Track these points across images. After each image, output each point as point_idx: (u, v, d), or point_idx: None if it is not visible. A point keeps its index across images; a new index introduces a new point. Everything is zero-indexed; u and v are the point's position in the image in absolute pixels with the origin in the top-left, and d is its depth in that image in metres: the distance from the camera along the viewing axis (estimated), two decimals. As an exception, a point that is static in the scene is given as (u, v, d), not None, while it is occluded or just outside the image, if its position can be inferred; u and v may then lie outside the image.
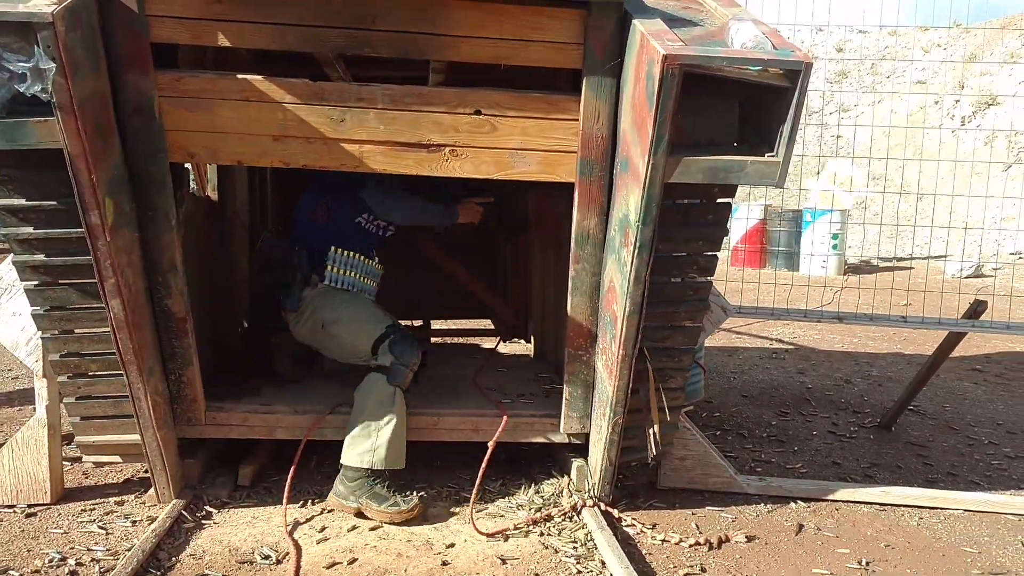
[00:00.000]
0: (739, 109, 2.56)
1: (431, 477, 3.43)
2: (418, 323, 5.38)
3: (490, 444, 3.13)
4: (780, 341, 7.14)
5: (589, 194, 2.82)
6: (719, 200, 2.71)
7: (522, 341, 4.88)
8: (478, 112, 2.74)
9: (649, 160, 2.42)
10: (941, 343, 3.87)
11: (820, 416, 4.74)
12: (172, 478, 2.99)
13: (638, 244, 2.57)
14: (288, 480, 3.05)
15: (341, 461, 3.06)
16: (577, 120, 2.75)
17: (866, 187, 14.30)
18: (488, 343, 5.38)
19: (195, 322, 2.94)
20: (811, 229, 13.25)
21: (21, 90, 2.13)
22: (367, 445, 3.04)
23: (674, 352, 3.00)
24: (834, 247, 13.13)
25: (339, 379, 3.56)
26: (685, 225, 2.72)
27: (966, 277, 13.00)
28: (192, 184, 4.12)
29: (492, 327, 5.59)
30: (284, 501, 3.01)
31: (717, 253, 2.80)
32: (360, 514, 3.00)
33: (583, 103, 2.71)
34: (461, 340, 5.78)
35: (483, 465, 3.10)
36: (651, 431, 3.01)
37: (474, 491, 3.09)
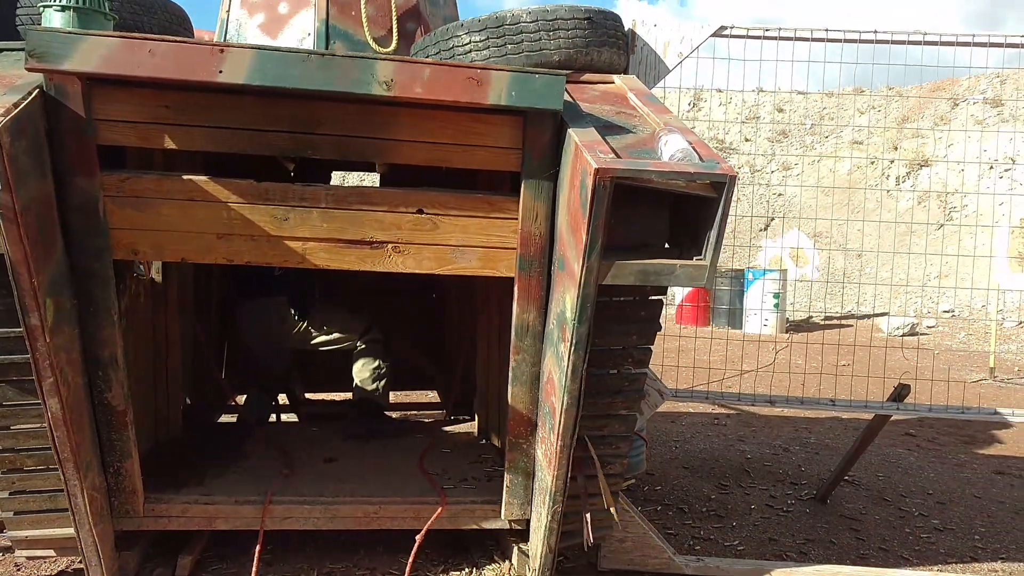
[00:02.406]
0: (670, 213, 2.68)
1: (374, 562, 3.43)
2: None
3: (417, 538, 3.15)
4: (723, 406, 7.28)
5: (528, 289, 2.91)
6: (651, 297, 2.81)
7: (466, 419, 4.91)
8: (420, 211, 2.82)
9: (583, 263, 2.52)
10: (869, 424, 4.02)
11: (759, 488, 4.84)
12: (108, 573, 2.96)
13: (574, 340, 2.66)
14: None
15: (356, 398, 4.42)
16: (516, 219, 2.85)
17: (810, 246, 14.72)
18: (432, 415, 5.42)
19: (136, 402, 2.94)
20: (754, 287, 13.55)
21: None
22: (375, 385, 4.37)
23: (611, 439, 3.08)
24: (775, 306, 13.44)
25: (270, 463, 3.63)
26: (620, 321, 2.82)
27: (903, 335, 13.40)
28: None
29: (437, 400, 5.64)
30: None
31: (651, 346, 2.90)
32: (372, 435, 4.21)
33: (522, 204, 2.81)
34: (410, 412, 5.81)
35: (411, 558, 3.13)
36: (586, 517, 3.07)
37: (408, 579, 3.11)
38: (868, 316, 14.85)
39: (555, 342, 2.83)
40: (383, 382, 4.38)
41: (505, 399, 3.69)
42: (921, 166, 20.11)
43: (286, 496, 3.24)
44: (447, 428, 4.52)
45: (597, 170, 2.38)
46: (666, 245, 2.73)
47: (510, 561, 3.38)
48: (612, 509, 3.05)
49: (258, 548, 3.08)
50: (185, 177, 2.72)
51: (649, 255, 2.61)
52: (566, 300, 2.69)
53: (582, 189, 2.49)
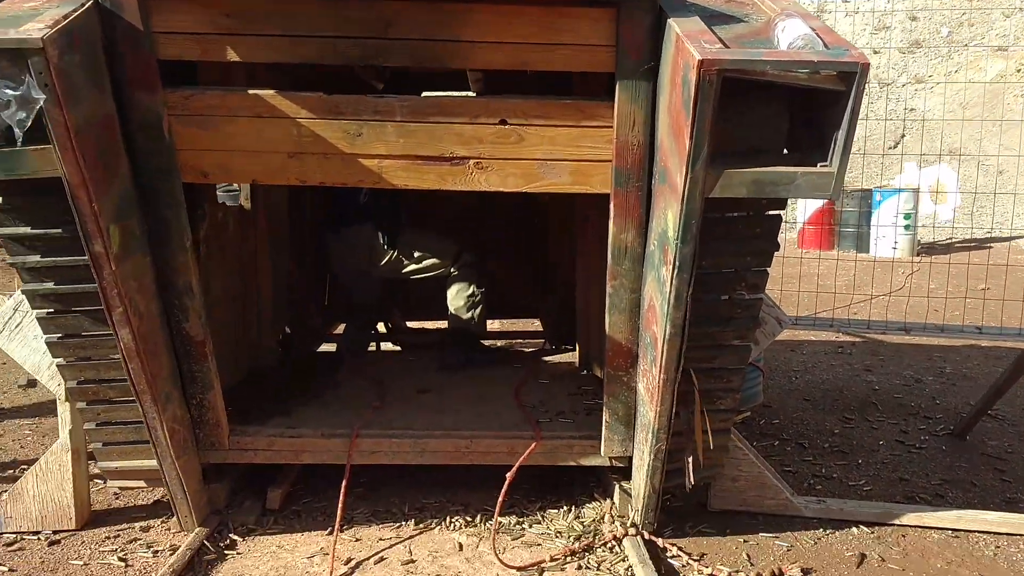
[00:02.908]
0: (789, 112, 2.31)
1: (468, 498, 3.28)
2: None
3: (508, 475, 2.95)
4: (849, 334, 6.80)
5: (626, 206, 2.61)
6: (768, 212, 2.47)
7: (569, 347, 4.68)
8: (503, 122, 2.55)
9: (687, 173, 2.20)
10: (1021, 356, 3.55)
11: (888, 423, 4.45)
12: (194, 506, 2.90)
13: (677, 263, 2.36)
14: (337, 524, 2.92)
15: (452, 327, 4.26)
16: (611, 128, 2.54)
17: (953, 183, 13.54)
18: (533, 344, 5.23)
19: (226, 331, 2.85)
20: (884, 207, 12.66)
21: (4, 118, 2.01)
22: (470, 318, 4.21)
23: (722, 373, 2.78)
24: (906, 227, 12.54)
25: (361, 394, 3.50)
26: (731, 240, 2.49)
27: (1047, 256, 12.33)
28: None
29: (540, 329, 5.43)
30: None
31: (767, 268, 2.56)
32: (468, 365, 4.12)
33: (617, 109, 2.50)
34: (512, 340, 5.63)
35: (501, 497, 2.93)
36: (689, 459, 2.80)
37: (494, 527, 2.92)
38: (1008, 239, 13.74)
39: (656, 265, 2.54)
40: (479, 310, 4.17)
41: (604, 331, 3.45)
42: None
43: (374, 429, 3.10)
44: (547, 358, 4.31)
45: (701, 62, 2.04)
46: (784, 151, 2.37)
47: (611, 500, 3.16)
48: (699, 452, 2.77)
49: (344, 483, 2.95)
50: (251, 92, 2.52)
51: (764, 162, 2.26)
52: (668, 217, 2.39)
53: (684, 87, 2.16)
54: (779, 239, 2.51)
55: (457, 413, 3.30)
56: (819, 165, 2.23)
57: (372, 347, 4.88)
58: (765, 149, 2.33)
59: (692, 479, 2.82)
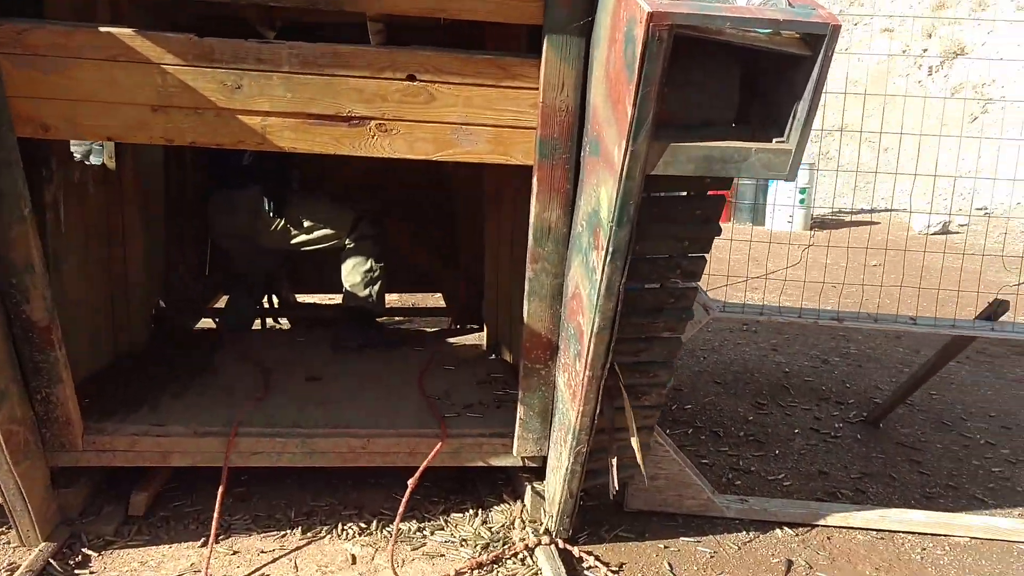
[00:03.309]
0: (740, 80, 2.03)
1: (363, 500, 2.94)
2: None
3: (410, 483, 2.62)
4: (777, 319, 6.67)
5: (551, 181, 2.29)
6: (711, 192, 2.19)
7: (475, 328, 4.36)
8: (411, 78, 2.18)
9: (627, 146, 1.89)
10: (946, 346, 3.43)
11: (800, 408, 4.32)
12: (39, 517, 2.46)
13: (611, 248, 2.06)
14: (212, 536, 2.52)
15: (347, 306, 3.86)
16: (536, 89, 2.21)
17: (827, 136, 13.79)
18: (437, 323, 4.89)
19: (86, 314, 2.42)
20: (779, 183, 12.78)
21: None
22: (368, 296, 3.80)
23: (649, 367, 2.51)
24: (801, 201, 12.72)
25: (242, 382, 3.12)
26: (668, 222, 2.20)
27: (934, 233, 12.72)
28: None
29: (443, 306, 5.09)
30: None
31: (705, 254, 2.30)
32: (364, 347, 3.71)
33: (544, 68, 2.17)
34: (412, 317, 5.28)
35: (402, 505, 2.62)
36: (613, 461, 2.54)
37: (393, 536, 2.61)
38: (891, 210, 14.09)
39: (584, 249, 2.23)
40: (377, 286, 3.79)
41: (518, 309, 3.15)
42: (956, 55, 18.95)
43: (256, 426, 2.72)
44: (451, 339, 3.97)
45: (651, 15, 1.72)
46: (732, 125, 2.09)
47: (522, 502, 2.88)
48: (639, 456, 2.52)
49: (220, 489, 2.57)
50: (103, 29, 2.08)
51: (714, 136, 1.97)
52: (601, 195, 2.08)
53: (628, 44, 1.84)
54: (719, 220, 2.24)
55: (352, 406, 2.95)
56: (775, 141, 1.96)
57: (258, 324, 4.46)
58: (712, 122, 2.04)
59: (616, 483, 2.55)
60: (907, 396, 3.94)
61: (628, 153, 1.90)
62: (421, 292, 5.52)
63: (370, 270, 3.76)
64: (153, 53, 2.08)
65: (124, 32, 2.06)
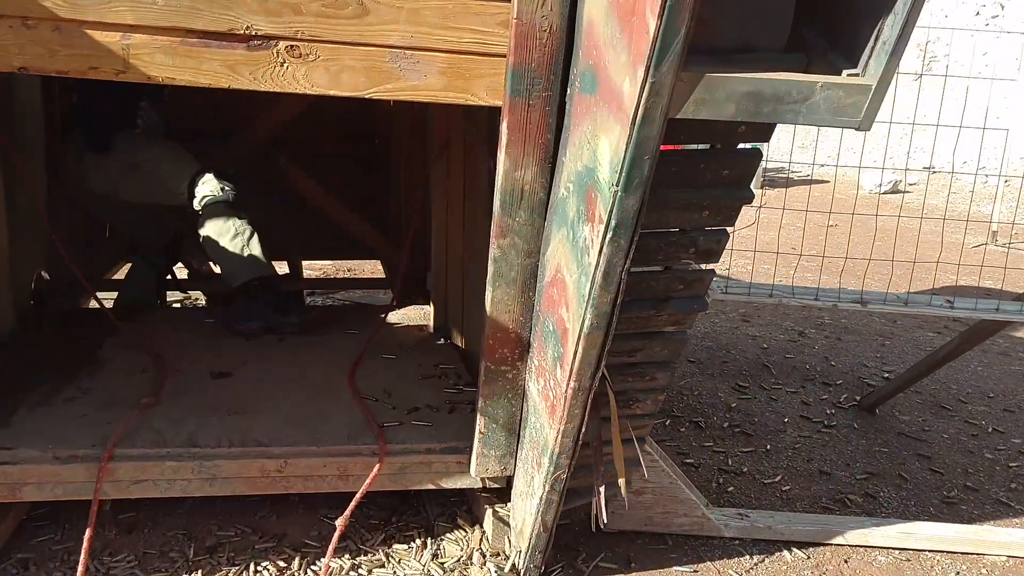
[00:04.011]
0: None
1: (283, 527, 2.36)
2: (282, 267, 4.20)
3: (339, 523, 2.06)
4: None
5: (525, 127, 1.70)
6: (743, 145, 1.64)
7: (420, 301, 3.77)
8: (335, -20, 1.56)
9: (645, 77, 1.31)
10: (974, 329, 2.96)
11: (786, 391, 3.85)
12: None
13: (613, 222, 1.49)
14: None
15: (233, 286, 3.08)
16: (508, 0, 1.61)
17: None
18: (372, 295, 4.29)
19: None
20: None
21: None
22: (248, 259, 3.03)
23: (646, 369, 1.98)
24: (752, 158, 12.29)
25: (129, 381, 2.49)
26: (684, 184, 1.64)
27: (884, 192, 12.46)
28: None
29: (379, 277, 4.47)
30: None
31: (728, 228, 1.75)
32: (269, 329, 3.03)
33: (518, -30, 1.57)
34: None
35: (331, 546, 2.05)
36: (601, 490, 2.01)
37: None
38: (836, 166, 13.79)
39: (571, 221, 1.66)
40: (252, 243, 3.06)
41: (473, 282, 2.59)
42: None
43: (139, 446, 2.11)
44: (391, 317, 3.36)
45: None
46: (780, 52, 1.52)
47: (481, 528, 2.34)
48: (620, 481, 2.00)
49: (88, 531, 1.96)
50: None
51: (761, 66, 1.41)
52: (599, 148, 1.50)
53: (650, -74, 1.26)
54: (753, 183, 1.69)
55: (267, 413, 2.35)
56: (845, 74, 1.40)
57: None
58: (755, 46, 1.47)
59: (605, 514, 2.02)
60: (915, 383, 3.48)
61: (647, 87, 1.32)
62: (357, 260, 4.90)
63: (236, 231, 3.05)
64: (-51, -68, 1.42)
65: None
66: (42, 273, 3.41)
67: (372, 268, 4.98)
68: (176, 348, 2.82)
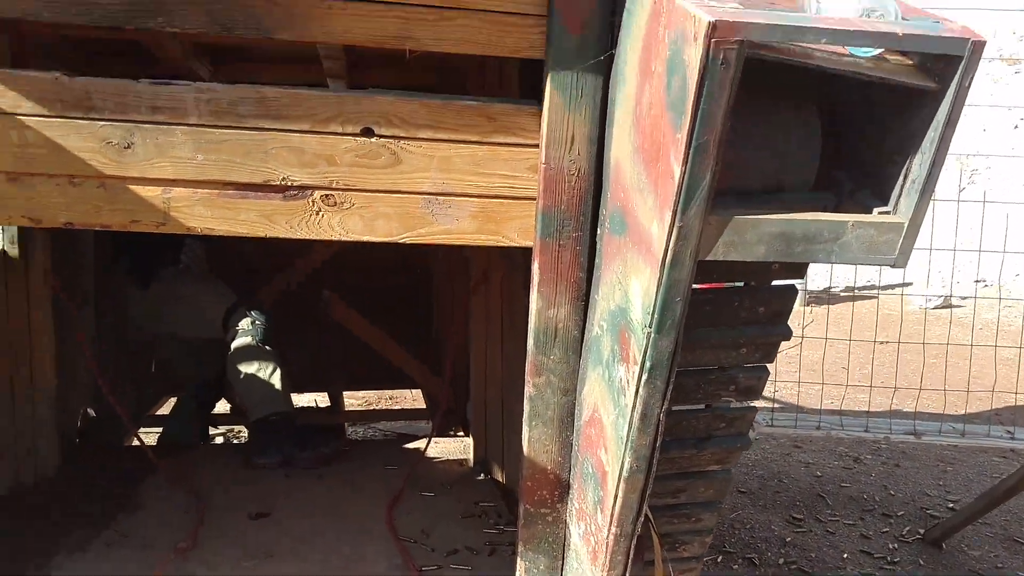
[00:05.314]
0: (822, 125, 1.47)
1: None
2: (323, 399, 4.22)
3: None
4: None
5: (556, 267, 1.70)
6: (777, 283, 1.62)
7: (461, 433, 3.73)
8: (368, 132, 1.61)
9: (673, 221, 1.31)
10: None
11: (843, 523, 3.67)
12: None
13: (648, 362, 1.46)
14: None
15: (251, 420, 3.11)
16: (536, 146, 1.64)
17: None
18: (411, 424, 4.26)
19: None
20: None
21: None
22: (268, 393, 3.09)
23: (690, 511, 1.90)
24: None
25: (168, 523, 2.47)
26: (720, 324, 1.62)
27: (934, 308, 12.23)
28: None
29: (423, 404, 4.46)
30: None
31: (768, 364, 1.71)
32: (287, 463, 3.00)
33: (547, 118, 1.60)
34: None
35: None
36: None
37: None
38: (891, 286, 13.60)
39: (606, 360, 1.64)
40: (273, 382, 3.13)
41: (512, 417, 2.56)
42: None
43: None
44: (431, 451, 3.32)
45: (713, 26, 1.16)
46: (808, 192, 1.52)
47: None
48: None
49: None
50: (-67, 67, 1.50)
51: (790, 206, 1.40)
52: (630, 289, 1.49)
53: (672, 74, 1.28)
54: (789, 320, 1.66)
55: (303, 556, 2.30)
56: (876, 212, 1.39)
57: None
58: (785, 186, 1.47)
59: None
60: (984, 514, 3.31)
61: (674, 231, 1.32)
62: (398, 389, 4.90)
63: (260, 365, 3.14)
64: (5, 99, 1.50)
65: (-36, 72, 1.49)
66: (88, 410, 3.46)
67: (414, 395, 4.96)
68: (216, 486, 2.81)
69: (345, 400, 4.40)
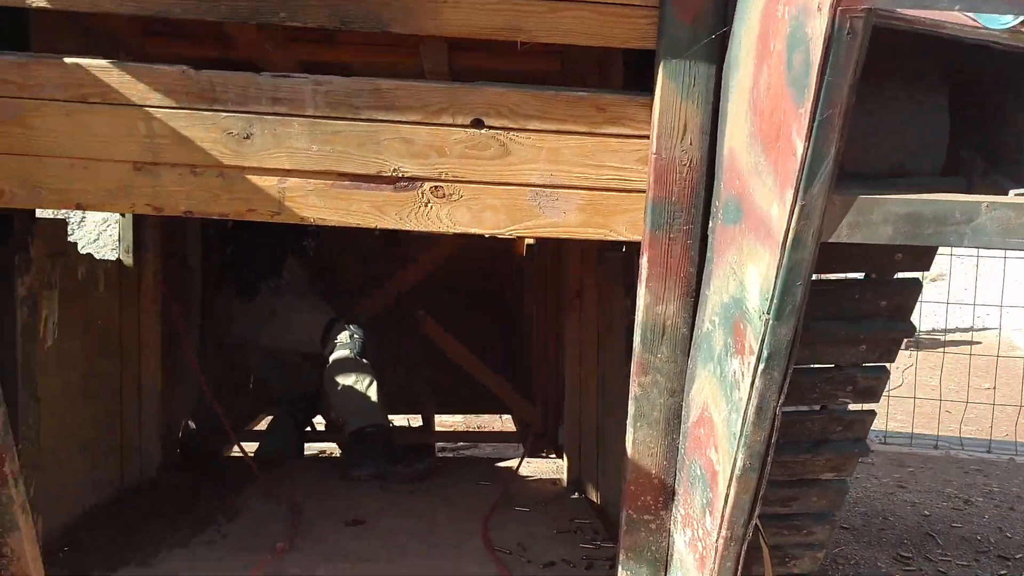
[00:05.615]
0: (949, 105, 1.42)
1: None
2: (416, 421, 4.23)
3: None
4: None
5: (666, 261, 1.67)
6: (900, 275, 1.55)
7: (552, 455, 3.69)
8: (478, 123, 1.62)
9: (795, 200, 1.27)
10: None
11: (956, 564, 3.47)
12: None
13: (765, 352, 1.41)
14: None
15: (348, 431, 3.16)
16: (647, 138, 1.63)
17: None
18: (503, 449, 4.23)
19: (83, 439, 2.21)
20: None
21: None
22: (363, 405, 3.14)
23: (802, 521, 1.82)
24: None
25: (267, 526, 2.49)
26: (838, 318, 1.56)
27: (1044, 352, 11.61)
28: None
29: (512, 426, 4.44)
30: None
31: (889, 364, 1.63)
32: (381, 477, 3.03)
33: (658, 108, 1.59)
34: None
35: None
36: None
37: None
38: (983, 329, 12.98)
39: (718, 355, 1.59)
40: (368, 396, 3.18)
41: (608, 438, 2.51)
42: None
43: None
44: (523, 470, 3.29)
45: (841, -7, 1.13)
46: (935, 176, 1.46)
47: None
48: None
49: None
50: (69, 61, 1.58)
51: (917, 190, 1.35)
52: (746, 277, 1.45)
53: (793, 50, 1.25)
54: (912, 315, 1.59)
55: (398, 563, 2.29)
56: (1012, 193, 1.32)
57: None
58: (909, 170, 1.42)
59: None
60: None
61: (796, 210, 1.28)
62: (487, 414, 4.89)
63: (357, 378, 3.19)
64: (135, 92, 1.57)
65: (97, 64, 1.56)
66: (188, 422, 3.55)
67: (502, 421, 4.95)
68: (311, 496, 2.83)
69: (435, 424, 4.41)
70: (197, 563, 2.22)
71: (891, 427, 5.25)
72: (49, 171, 1.60)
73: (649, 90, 1.62)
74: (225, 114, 1.59)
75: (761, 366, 1.42)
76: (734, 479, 1.55)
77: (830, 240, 1.32)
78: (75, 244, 2.51)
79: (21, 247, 1.94)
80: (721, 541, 1.62)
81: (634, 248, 1.87)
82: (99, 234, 4.27)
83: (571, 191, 1.67)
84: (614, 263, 2.56)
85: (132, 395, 2.88)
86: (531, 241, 4.24)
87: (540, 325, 4.02)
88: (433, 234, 1.74)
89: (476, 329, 4.30)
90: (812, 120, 1.22)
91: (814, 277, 1.50)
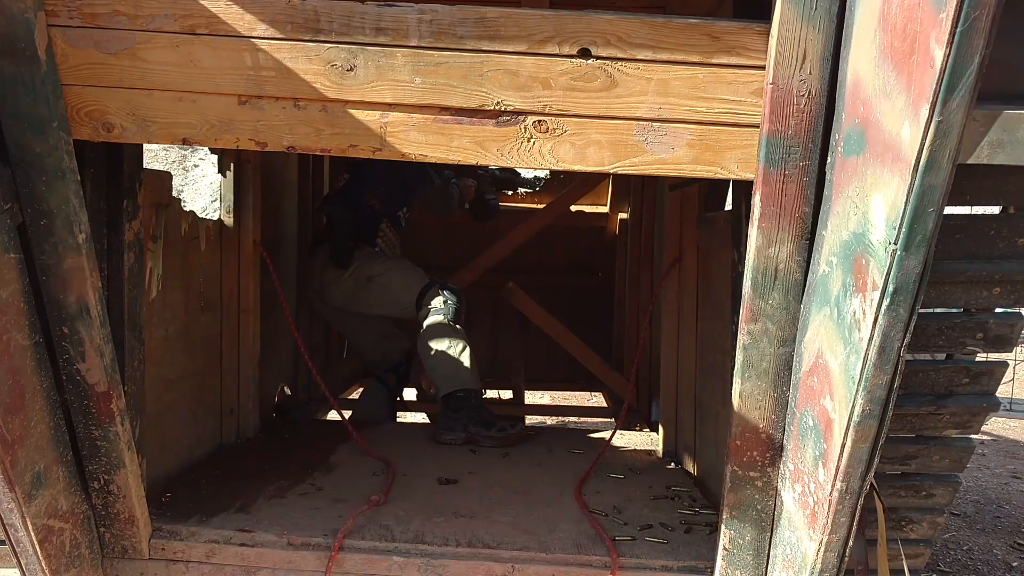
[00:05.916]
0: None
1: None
2: (506, 395, 4.21)
3: None
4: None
5: (780, 200, 1.59)
6: (1042, 209, 1.43)
7: (645, 429, 3.61)
8: (584, 53, 1.57)
9: (931, 116, 1.18)
10: None
11: (1078, 553, 3.27)
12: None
13: (891, 286, 1.32)
14: None
15: (440, 396, 3.15)
16: (762, 68, 1.54)
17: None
18: (594, 423, 4.16)
19: (184, 391, 2.25)
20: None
21: None
22: (455, 369, 3.12)
23: (922, 482, 1.72)
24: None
25: (360, 483, 2.49)
26: (970, 255, 1.45)
27: None
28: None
29: (603, 404, 4.38)
30: None
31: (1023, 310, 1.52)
32: (472, 441, 3.04)
33: (776, 34, 1.50)
34: (565, 418, 4.58)
35: None
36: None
37: None
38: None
39: (835, 298, 1.50)
40: (466, 361, 3.15)
41: (707, 407, 2.44)
42: None
43: (368, 539, 2.07)
44: (615, 442, 3.22)
45: None
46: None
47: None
48: None
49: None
50: (179, -9, 1.59)
51: (1067, 104, 1.24)
52: (870, 207, 1.36)
53: (934, -49, 1.16)
54: (1053, 258, 1.46)
55: (493, 519, 2.26)
56: None
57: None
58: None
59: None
60: None
61: (932, 127, 1.18)
62: (576, 391, 4.85)
63: (451, 343, 3.16)
64: (241, 23, 1.57)
65: (206, -7, 1.57)
66: (284, 388, 3.61)
67: (590, 397, 4.89)
68: (405, 457, 2.83)
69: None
70: (293, 511, 2.23)
71: (1018, 393, 5.00)
72: (158, 104, 1.62)
73: (764, 18, 1.54)
74: (329, 45, 1.57)
75: (885, 302, 1.33)
76: (851, 427, 1.46)
77: (968, 161, 1.22)
78: (179, 199, 2.56)
79: (129, 193, 1.98)
80: (835, 494, 1.54)
81: (741, 197, 1.80)
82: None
83: (680, 125, 1.60)
84: (717, 223, 2.47)
85: (231, 356, 2.93)
86: (624, 215, 4.17)
87: (633, 301, 3.95)
88: (535, 172, 1.69)
89: (566, 306, 4.27)
90: (955, 24, 1.12)
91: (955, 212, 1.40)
